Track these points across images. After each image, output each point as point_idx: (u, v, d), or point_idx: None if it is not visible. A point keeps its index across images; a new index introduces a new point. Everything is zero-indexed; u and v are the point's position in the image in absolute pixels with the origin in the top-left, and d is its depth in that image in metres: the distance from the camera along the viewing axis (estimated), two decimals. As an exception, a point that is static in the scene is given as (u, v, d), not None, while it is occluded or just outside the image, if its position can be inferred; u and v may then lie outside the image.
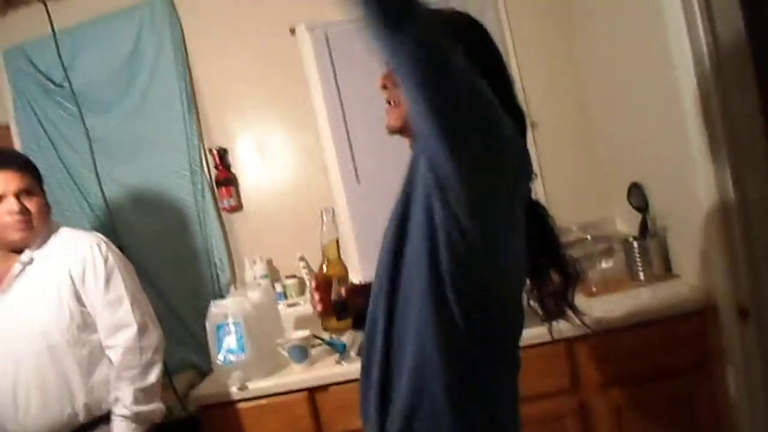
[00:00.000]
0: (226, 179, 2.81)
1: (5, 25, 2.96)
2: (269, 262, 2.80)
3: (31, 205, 1.85)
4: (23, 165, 1.90)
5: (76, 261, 1.87)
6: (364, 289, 1.39)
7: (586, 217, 2.57)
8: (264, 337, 2.26)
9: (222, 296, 2.62)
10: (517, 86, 2.68)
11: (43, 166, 2.07)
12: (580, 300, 0.99)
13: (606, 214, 2.63)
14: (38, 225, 1.88)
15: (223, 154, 2.83)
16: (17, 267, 1.85)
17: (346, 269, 1.56)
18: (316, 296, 1.45)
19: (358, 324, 1.43)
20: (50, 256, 1.88)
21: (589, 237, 2.42)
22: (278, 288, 2.75)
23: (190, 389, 2.37)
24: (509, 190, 1.05)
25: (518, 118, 1.17)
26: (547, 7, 2.69)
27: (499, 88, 1.10)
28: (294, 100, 2.79)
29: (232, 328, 2.20)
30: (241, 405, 2.16)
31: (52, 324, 1.82)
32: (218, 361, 2.21)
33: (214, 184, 2.83)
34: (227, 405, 2.16)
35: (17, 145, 2.91)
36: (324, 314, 1.47)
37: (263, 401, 2.15)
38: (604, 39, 2.37)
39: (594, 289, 2.21)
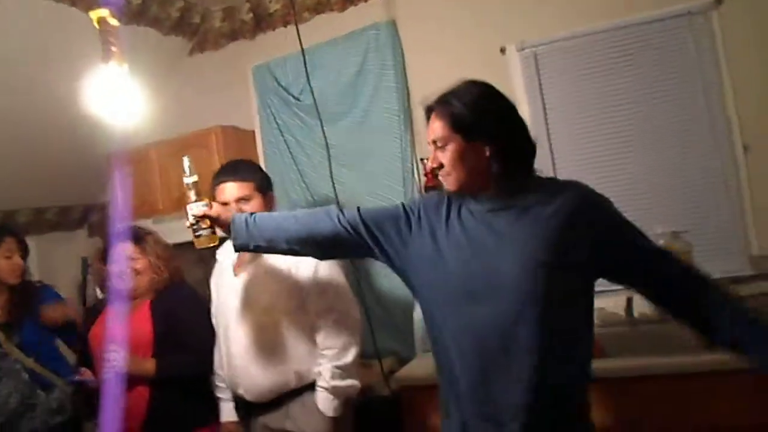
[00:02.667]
0: (434, 187, 3.05)
1: (255, 46, 3.49)
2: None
3: (246, 208, 2.13)
4: (244, 176, 2.20)
5: None
6: None
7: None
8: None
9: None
10: (730, 106, 2.59)
11: (279, 167, 2.43)
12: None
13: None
14: None
15: (431, 163, 3.07)
16: (248, 254, 2.17)
17: None
18: None
19: None
20: None
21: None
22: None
23: (390, 373, 2.64)
24: None
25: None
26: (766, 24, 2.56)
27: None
28: (500, 116, 2.94)
29: (435, 320, 2.44)
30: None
31: (274, 303, 2.14)
32: (421, 351, 2.46)
33: (422, 190, 3.05)
34: (426, 388, 2.37)
35: (259, 149, 3.41)
36: None
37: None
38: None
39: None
